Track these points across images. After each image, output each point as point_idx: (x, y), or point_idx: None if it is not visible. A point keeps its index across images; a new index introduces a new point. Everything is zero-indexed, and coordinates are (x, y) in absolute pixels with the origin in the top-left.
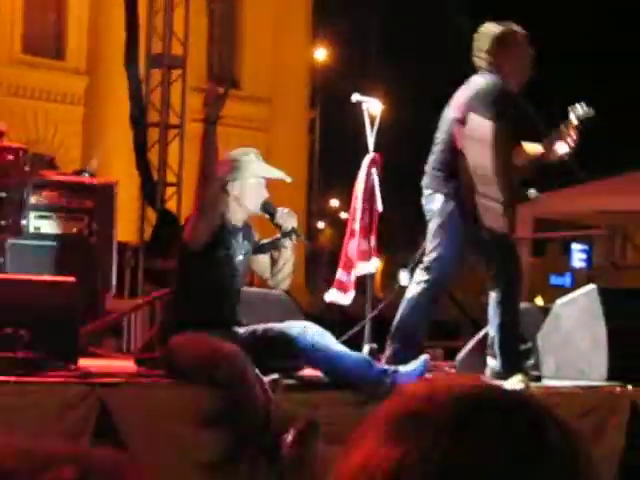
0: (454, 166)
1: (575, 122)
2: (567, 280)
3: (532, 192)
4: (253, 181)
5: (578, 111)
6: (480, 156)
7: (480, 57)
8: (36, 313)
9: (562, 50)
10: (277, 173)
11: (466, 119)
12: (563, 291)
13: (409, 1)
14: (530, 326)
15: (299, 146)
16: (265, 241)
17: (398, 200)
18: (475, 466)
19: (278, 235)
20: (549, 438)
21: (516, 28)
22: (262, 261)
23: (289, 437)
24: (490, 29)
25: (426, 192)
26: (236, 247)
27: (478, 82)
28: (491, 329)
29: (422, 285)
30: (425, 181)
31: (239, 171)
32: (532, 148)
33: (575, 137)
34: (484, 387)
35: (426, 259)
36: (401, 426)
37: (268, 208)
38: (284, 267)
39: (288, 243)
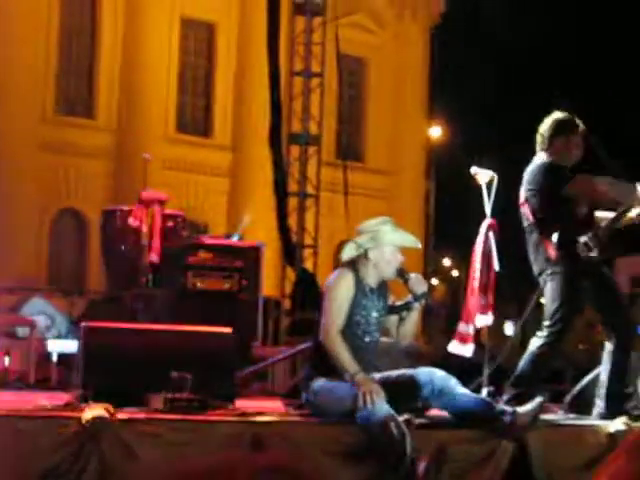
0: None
1: None
2: None
3: None
4: (389, 249)
5: None
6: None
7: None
8: (198, 359)
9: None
10: (411, 240)
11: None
12: None
13: (517, 82)
14: (630, 371)
15: (416, 213)
16: (398, 303)
17: (504, 259)
18: None
19: (409, 298)
20: None
21: (574, 119)
22: (391, 319)
23: (420, 468)
24: (552, 116)
25: (536, 267)
26: (371, 307)
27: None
28: (603, 373)
29: (545, 340)
30: (532, 258)
31: (378, 240)
32: (603, 215)
33: None
34: None
35: (548, 317)
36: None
37: (402, 274)
38: (410, 326)
39: (417, 306)
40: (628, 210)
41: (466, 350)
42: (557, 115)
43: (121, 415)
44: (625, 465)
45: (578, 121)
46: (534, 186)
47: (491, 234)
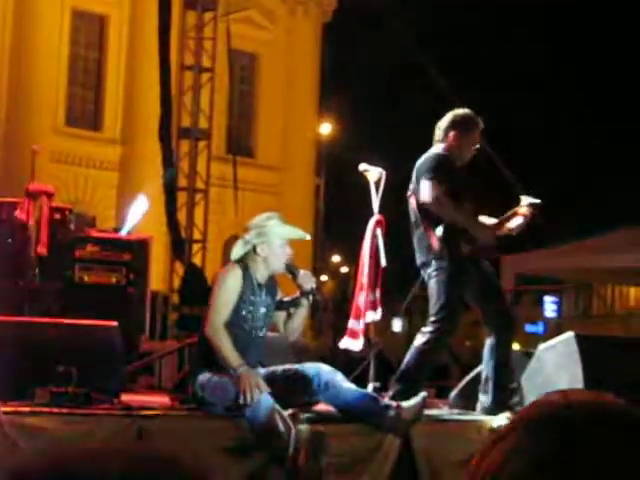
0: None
1: (525, 205)
2: (540, 328)
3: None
4: (277, 242)
5: (528, 199)
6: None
7: (436, 132)
8: (84, 353)
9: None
10: (298, 233)
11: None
12: (536, 338)
13: (408, 80)
14: (515, 368)
15: (306, 209)
16: (286, 298)
17: (388, 255)
18: (595, 467)
19: (298, 294)
20: None
21: (474, 118)
22: (279, 315)
23: (301, 454)
24: (453, 111)
25: (419, 260)
26: (259, 302)
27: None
28: (485, 369)
29: (430, 335)
30: (417, 251)
31: (266, 235)
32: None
33: (527, 214)
34: (619, 403)
35: (433, 313)
36: (538, 427)
37: (291, 269)
38: (298, 322)
39: (305, 302)
40: (509, 220)
41: (356, 345)
42: (458, 110)
43: (5, 408)
44: (517, 446)
45: (477, 120)
46: (423, 174)
47: (379, 231)
